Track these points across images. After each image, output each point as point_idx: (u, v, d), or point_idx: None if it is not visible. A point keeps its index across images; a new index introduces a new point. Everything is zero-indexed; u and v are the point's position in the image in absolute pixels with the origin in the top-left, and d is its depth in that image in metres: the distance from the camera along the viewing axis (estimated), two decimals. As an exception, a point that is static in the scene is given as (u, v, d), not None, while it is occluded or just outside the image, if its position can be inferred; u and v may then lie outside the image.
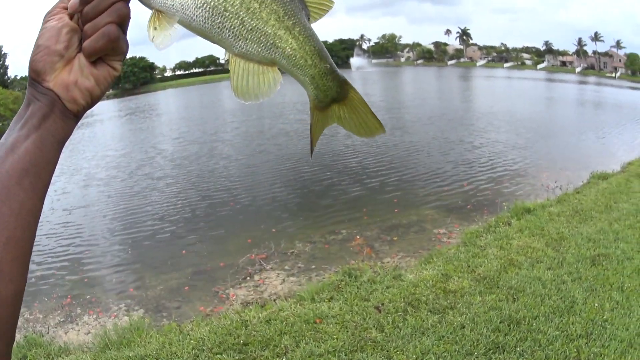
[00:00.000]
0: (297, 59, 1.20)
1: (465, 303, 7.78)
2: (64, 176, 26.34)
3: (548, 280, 8.23)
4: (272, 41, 1.15)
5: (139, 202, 20.71)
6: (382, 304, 8.08)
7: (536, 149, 24.08)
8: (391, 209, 15.84)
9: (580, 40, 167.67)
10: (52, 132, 1.17)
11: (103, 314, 11.36)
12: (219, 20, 1.11)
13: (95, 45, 1.14)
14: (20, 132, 1.13)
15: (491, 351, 6.48)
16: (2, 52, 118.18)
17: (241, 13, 1.10)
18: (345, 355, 6.77)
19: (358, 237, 13.39)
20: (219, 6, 1.09)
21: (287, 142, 30.23)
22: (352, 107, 1.38)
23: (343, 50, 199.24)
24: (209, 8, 1.09)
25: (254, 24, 1.13)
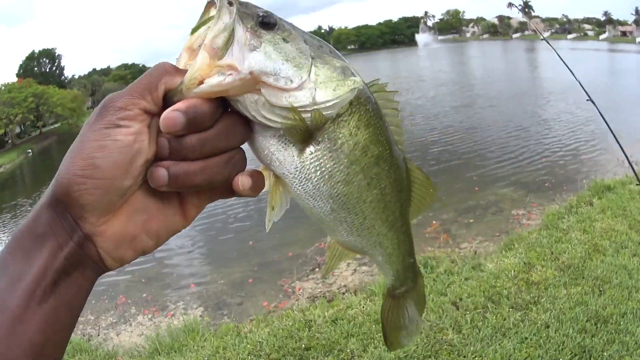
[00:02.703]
0: (393, 255, 1.20)
1: (550, 297, 6.81)
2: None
3: (634, 270, 7.17)
4: (380, 240, 1.14)
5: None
6: (460, 300, 7.16)
7: (610, 122, 22.39)
8: (469, 188, 14.68)
9: (637, 10, 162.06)
10: (71, 298, 0.83)
11: (159, 314, 10.72)
12: (343, 215, 1.05)
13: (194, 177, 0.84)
14: (23, 295, 0.77)
15: (577, 357, 5.54)
16: (57, 54, 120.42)
17: (367, 212, 1.06)
18: (417, 360, 5.91)
19: (434, 222, 12.11)
20: (351, 204, 1.03)
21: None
22: (417, 292, 1.36)
23: (408, 28, 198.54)
24: (341, 202, 1.02)
25: (373, 224, 1.10)
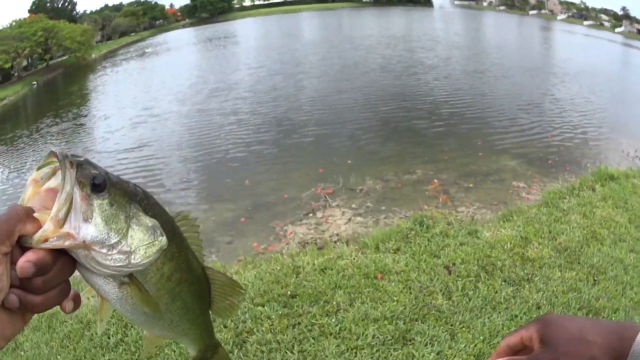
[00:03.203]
0: (196, 341, 1.46)
1: (543, 277, 6.61)
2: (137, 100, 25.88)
3: (630, 265, 6.96)
4: (185, 333, 1.38)
5: (209, 129, 19.92)
6: (454, 264, 6.95)
7: (620, 114, 22.18)
8: (473, 153, 14.38)
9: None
10: None
11: None
12: (155, 322, 1.26)
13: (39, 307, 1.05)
14: None
15: (564, 347, 5.31)
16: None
17: (174, 317, 1.28)
18: (404, 323, 5.68)
19: (436, 180, 11.96)
20: (161, 315, 1.23)
21: (370, 77, 28.61)
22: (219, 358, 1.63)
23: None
24: (152, 314, 1.20)
25: (179, 324, 1.33)
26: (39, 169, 1.04)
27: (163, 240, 1.13)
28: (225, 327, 5.87)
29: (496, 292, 6.24)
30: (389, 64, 31.66)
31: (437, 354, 5.19)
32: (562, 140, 16.35)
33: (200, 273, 1.33)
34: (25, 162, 19.63)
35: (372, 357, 5.17)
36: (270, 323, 5.84)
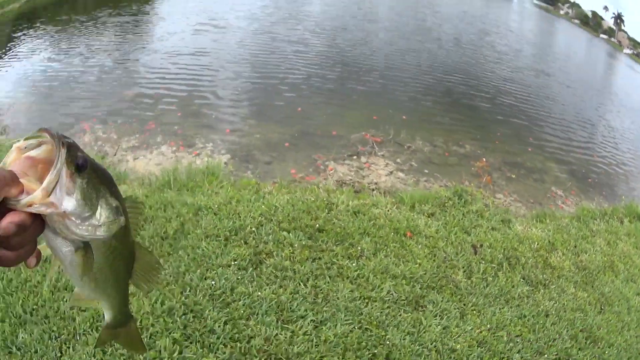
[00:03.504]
0: (115, 305, 1.60)
1: (558, 288, 6.44)
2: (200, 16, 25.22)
3: (634, 307, 6.77)
4: (109, 295, 1.54)
5: (271, 52, 19.34)
6: (481, 246, 6.76)
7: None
8: (523, 147, 13.91)
9: None
10: None
11: (185, 149, 10.25)
12: (91, 284, 1.42)
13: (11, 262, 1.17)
14: None
15: (560, 360, 5.23)
16: None
17: (107, 282, 1.45)
18: (421, 288, 5.52)
19: (484, 159, 11.65)
20: (97, 279, 1.41)
21: (440, 45, 27.86)
22: (129, 331, 1.75)
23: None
24: (92, 278, 1.39)
25: (106, 287, 1.48)
26: (26, 139, 1.15)
27: (122, 219, 1.30)
28: (245, 243, 5.79)
29: (513, 287, 6.07)
30: (461, 38, 30.98)
31: (444, 328, 5.04)
32: (605, 165, 15.90)
33: (130, 246, 1.46)
34: (76, 46, 19.09)
35: (381, 311, 5.01)
36: (292, 251, 5.71)
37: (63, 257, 1.27)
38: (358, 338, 4.60)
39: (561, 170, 13.21)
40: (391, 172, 9.82)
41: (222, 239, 5.81)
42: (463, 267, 6.13)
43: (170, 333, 4.37)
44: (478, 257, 6.43)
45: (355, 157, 10.27)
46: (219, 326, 4.49)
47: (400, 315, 5.05)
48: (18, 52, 18.64)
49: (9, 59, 18.16)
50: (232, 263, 5.39)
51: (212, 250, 5.56)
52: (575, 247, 7.70)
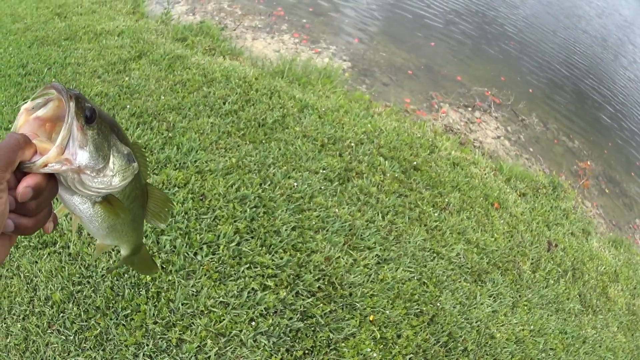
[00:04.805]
0: (132, 243, 1.62)
1: (604, 320, 5.99)
2: None
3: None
4: (128, 239, 1.56)
5: None
6: (556, 246, 6.31)
7: None
8: (628, 166, 12.88)
9: None
10: None
11: (307, 43, 9.91)
12: (113, 234, 1.43)
13: (30, 229, 1.12)
14: None
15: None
16: None
17: (126, 229, 1.46)
18: (487, 263, 5.18)
19: (589, 162, 10.99)
20: (118, 229, 1.42)
21: (596, 40, 26.80)
22: (142, 256, 1.82)
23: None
24: (112, 229, 1.39)
25: (127, 233, 1.50)
26: (33, 99, 1.11)
27: (135, 165, 1.27)
28: (340, 155, 5.52)
29: (567, 299, 5.64)
30: (607, 38, 29.61)
31: (493, 311, 4.71)
32: None
33: (144, 189, 1.46)
34: None
35: (444, 271, 4.67)
36: (382, 179, 5.39)
37: (81, 214, 1.26)
38: (413, 289, 4.31)
39: (653, 204, 12.61)
40: (498, 137, 9.25)
41: (319, 144, 5.54)
42: (532, 259, 5.71)
43: (235, 221, 4.18)
44: (549, 255, 6.01)
45: (470, 108, 9.72)
46: (286, 230, 4.27)
47: (460, 282, 4.72)
48: None
49: None
50: (321, 171, 5.12)
51: (304, 152, 5.29)
52: (635, 288, 7.15)
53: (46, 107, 1.10)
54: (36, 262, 3.73)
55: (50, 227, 1.19)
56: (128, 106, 5.47)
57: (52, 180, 1.10)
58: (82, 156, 1.11)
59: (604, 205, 9.99)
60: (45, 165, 1.05)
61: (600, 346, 5.53)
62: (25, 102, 1.11)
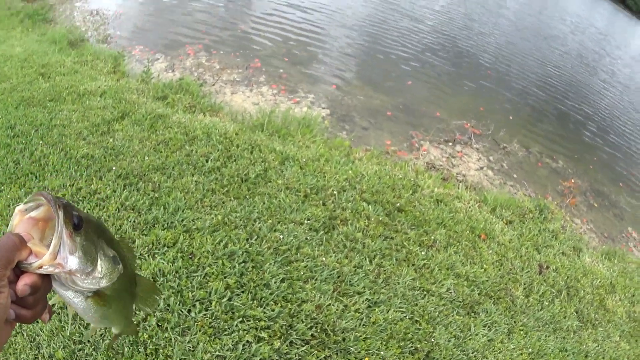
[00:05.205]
0: (123, 327, 1.67)
1: (605, 332, 6.01)
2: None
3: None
4: (119, 324, 1.62)
5: (387, 22, 18.65)
6: (547, 267, 6.40)
7: None
8: (615, 178, 12.97)
9: None
10: None
11: (285, 94, 10.11)
12: (104, 321, 1.52)
13: (29, 319, 1.27)
14: None
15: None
16: None
17: (116, 317, 1.53)
18: (479, 294, 5.26)
19: (573, 180, 10.99)
20: (109, 316, 1.49)
21: (566, 59, 26.83)
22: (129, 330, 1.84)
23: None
24: (104, 317, 1.48)
25: (117, 319, 1.56)
26: (25, 203, 1.25)
27: (120, 267, 1.39)
28: (324, 204, 5.65)
29: (564, 317, 5.70)
30: (584, 54, 29.58)
31: (489, 340, 4.78)
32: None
33: (132, 279, 1.55)
34: None
35: (436, 307, 4.78)
36: (367, 224, 5.52)
37: (76, 305, 1.37)
38: (406, 328, 4.40)
39: (642, 212, 12.65)
40: (481, 168, 9.40)
41: (302, 195, 5.69)
42: (524, 284, 5.79)
43: (225, 277, 4.31)
44: (541, 278, 6.08)
45: (450, 143, 9.86)
46: (275, 282, 4.38)
47: (452, 316, 4.81)
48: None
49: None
50: (305, 222, 5.25)
51: (288, 204, 5.43)
52: (633, 295, 7.17)
53: (38, 209, 1.23)
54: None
55: (47, 318, 1.32)
56: (114, 168, 5.60)
57: (46, 279, 1.23)
58: (73, 261, 1.23)
59: (594, 220, 10.08)
60: (40, 267, 1.18)
61: (603, 357, 5.58)
62: (19, 205, 1.24)
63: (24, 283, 1.17)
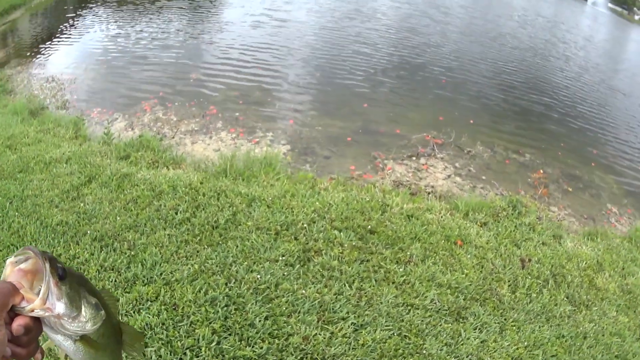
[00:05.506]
0: None
1: (600, 310, 6.04)
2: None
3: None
4: None
5: (336, 47, 18.81)
6: (529, 260, 6.44)
7: None
8: (585, 159, 13.15)
9: None
10: None
11: (244, 136, 10.24)
12: None
13: (24, 356, 1.40)
14: None
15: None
16: None
17: (103, 357, 1.62)
18: (464, 300, 5.30)
19: (542, 170, 11.13)
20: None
21: (515, 54, 26.93)
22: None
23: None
24: None
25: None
26: (15, 256, 1.38)
27: (103, 313, 1.53)
28: (295, 239, 5.71)
29: (555, 305, 5.74)
30: (536, 46, 29.82)
31: (482, 342, 4.80)
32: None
33: (117, 327, 1.69)
34: (140, 26, 19.54)
35: (422, 320, 4.83)
36: (341, 251, 5.59)
37: (65, 348, 1.49)
38: (395, 345, 4.44)
39: (620, 186, 12.69)
40: (449, 176, 9.51)
41: (273, 233, 5.74)
42: (509, 281, 5.85)
43: (210, 323, 4.34)
44: (525, 272, 6.13)
45: (414, 157, 9.98)
46: (260, 321, 4.41)
47: (440, 325, 4.85)
48: (81, 28, 18.97)
49: (72, 34, 18.51)
50: (280, 258, 5.32)
51: (261, 244, 5.50)
52: (622, 269, 7.23)
53: (27, 262, 1.36)
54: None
55: (39, 357, 1.45)
56: (89, 231, 5.65)
57: (37, 321, 1.37)
58: (60, 306, 1.37)
59: (571, 204, 10.19)
60: (32, 310, 1.32)
61: (603, 335, 5.61)
62: (10, 257, 1.37)
63: (18, 324, 1.31)
